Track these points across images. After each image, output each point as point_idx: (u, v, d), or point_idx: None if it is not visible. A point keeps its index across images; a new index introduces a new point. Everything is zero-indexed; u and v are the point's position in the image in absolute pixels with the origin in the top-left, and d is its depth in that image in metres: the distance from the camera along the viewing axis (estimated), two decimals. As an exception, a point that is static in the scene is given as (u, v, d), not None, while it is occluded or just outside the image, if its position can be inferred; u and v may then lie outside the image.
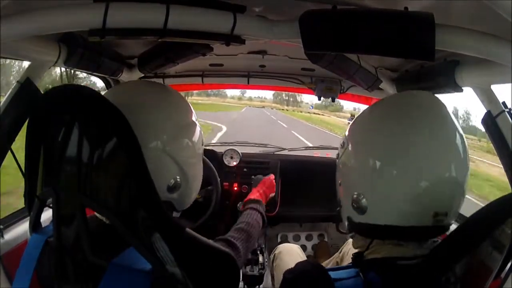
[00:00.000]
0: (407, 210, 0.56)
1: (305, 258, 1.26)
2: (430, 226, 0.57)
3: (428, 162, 0.56)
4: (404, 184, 0.56)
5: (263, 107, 44.17)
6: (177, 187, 0.67)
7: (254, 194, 1.07)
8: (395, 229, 0.58)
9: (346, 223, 0.66)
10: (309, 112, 36.66)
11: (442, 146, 0.58)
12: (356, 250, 0.66)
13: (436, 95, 0.65)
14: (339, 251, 1.19)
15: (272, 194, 1.18)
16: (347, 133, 0.69)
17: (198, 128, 0.72)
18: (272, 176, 1.23)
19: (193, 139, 0.70)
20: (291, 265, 0.62)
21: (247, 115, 24.24)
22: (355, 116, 0.73)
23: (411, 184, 0.56)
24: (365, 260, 0.60)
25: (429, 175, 0.56)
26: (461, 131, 0.60)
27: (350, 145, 0.65)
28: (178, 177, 0.67)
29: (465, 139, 0.60)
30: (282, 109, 42.19)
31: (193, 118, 0.72)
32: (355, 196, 0.61)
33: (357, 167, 0.63)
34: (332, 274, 0.56)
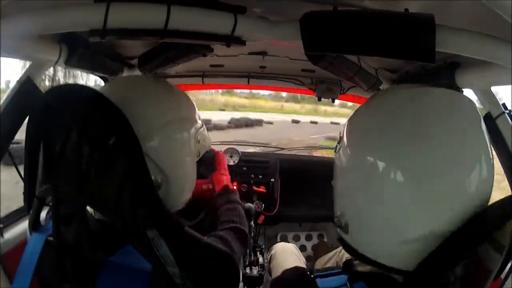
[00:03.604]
0: (388, 250, 0.51)
1: (301, 257, 1.23)
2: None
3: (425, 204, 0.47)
4: (390, 227, 0.49)
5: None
6: (157, 187, 0.63)
7: (223, 181, 0.93)
8: (375, 262, 0.52)
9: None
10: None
11: (452, 186, 0.48)
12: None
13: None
14: (340, 249, 1.18)
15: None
16: (345, 127, 0.61)
17: (187, 126, 0.69)
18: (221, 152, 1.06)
19: (175, 137, 0.66)
20: (285, 266, 0.61)
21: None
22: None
23: (398, 230, 0.49)
24: (355, 270, 0.58)
25: (420, 225, 0.47)
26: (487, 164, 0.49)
27: (342, 146, 0.58)
28: (158, 177, 0.63)
29: (492, 172, 0.49)
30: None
31: (181, 115, 0.68)
32: (338, 213, 0.56)
33: (345, 180, 0.56)
34: (320, 283, 0.55)
